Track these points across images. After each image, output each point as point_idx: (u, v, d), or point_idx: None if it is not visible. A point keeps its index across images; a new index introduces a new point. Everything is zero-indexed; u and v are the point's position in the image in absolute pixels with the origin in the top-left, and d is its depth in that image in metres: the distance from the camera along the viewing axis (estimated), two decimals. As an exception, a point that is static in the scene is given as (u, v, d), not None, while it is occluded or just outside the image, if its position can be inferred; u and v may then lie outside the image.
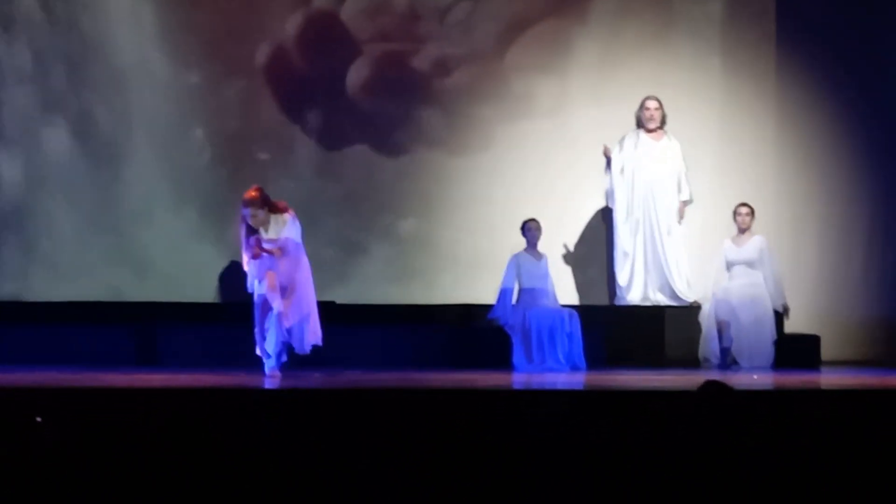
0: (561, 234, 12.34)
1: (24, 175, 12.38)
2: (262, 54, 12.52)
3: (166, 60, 12.45)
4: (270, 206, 10.18)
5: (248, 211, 10.09)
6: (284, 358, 10.21)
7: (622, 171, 12.12)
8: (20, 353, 11.29)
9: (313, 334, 10.21)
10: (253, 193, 10.14)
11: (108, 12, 12.46)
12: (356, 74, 12.53)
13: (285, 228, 10.13)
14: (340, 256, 12.45)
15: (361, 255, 12.50)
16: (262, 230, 10.16)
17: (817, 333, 11.99)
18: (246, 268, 10.21)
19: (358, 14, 12.60)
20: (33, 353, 11.31)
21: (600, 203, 12.49)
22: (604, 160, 12.26)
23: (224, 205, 12.13)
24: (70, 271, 12.27)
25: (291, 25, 12.53)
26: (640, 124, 12.21)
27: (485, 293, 11.87)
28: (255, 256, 10.10)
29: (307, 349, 10.23)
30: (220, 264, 12.35)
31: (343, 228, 12.50)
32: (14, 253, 12.35)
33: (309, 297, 10.24)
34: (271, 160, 12.53)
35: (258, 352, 10.19)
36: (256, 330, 10.15)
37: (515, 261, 11.67)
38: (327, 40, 12.54)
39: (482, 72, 12.60)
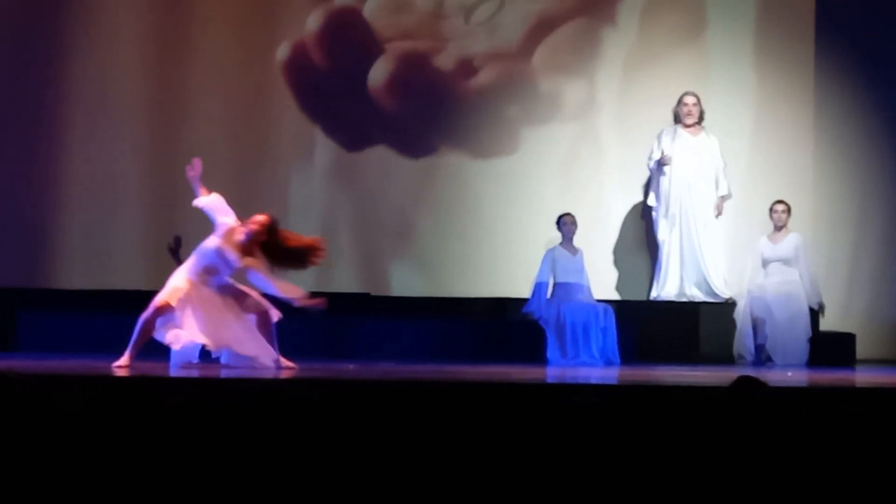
0: (593, 232, 12.28)
1: None
2: (281, 51, 12.32)
3: (180, 55, 12.35)
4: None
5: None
6: None
7: (660, 167, 12.11)
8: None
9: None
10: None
11: (118, 10, 12.35)
12: (378, 73, 12.28)
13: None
14: (371, 251, 12.40)
15: (392, 250, 12.43)
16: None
17: (853, 331, 11.96)
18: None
19: (381, 11, 12.41)
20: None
21: (630, 202, 12.45)
22: (631, 160, 12.26)
23: (241, 205, 12.17)
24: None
25: (312, 22, 12.30)
26: (677, 120, 12.19)
27: (519, 287, 11.87)
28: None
29: None
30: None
31: (368, 225, 12.40)
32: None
33: None
34: (290, 160, 12.44)
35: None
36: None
37: (551, 255, 11.67)
38: (349, 38, 12.33)
39: (508, 72, 12.42)
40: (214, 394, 7.46)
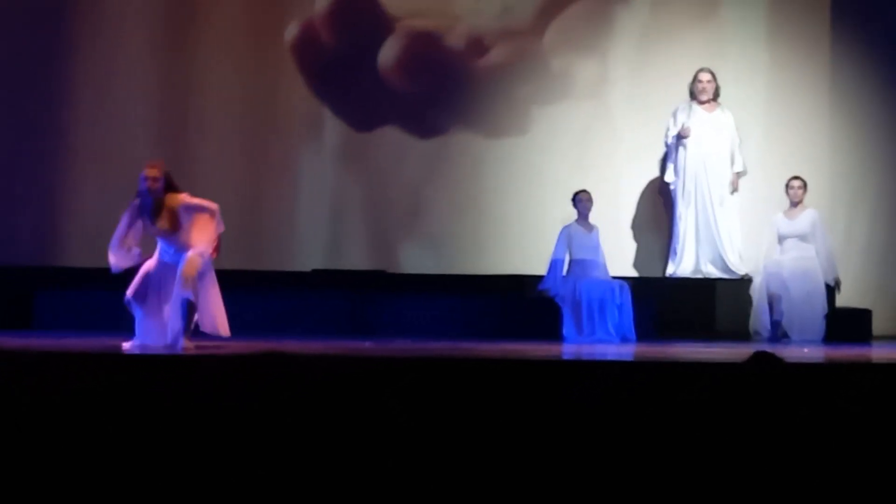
0: (608, 209, 12.24)
1: None
2: (290, 31, 12.27)
3: (188, 35, 12.32)
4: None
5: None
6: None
7: (679, 140, 12.10)
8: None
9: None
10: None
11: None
12: (388, 52, 12.21)
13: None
14: (381, 230, 12.38)
15: (403, 229, 12.41)
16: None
17: (869, 307, 11.94)
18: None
19: (391, -11, 12.31)
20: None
21: (645, 178, 12.43)
22: (646, 137, 12.26)
23: (250, 185, 12.13)
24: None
25: (321, 1, 12.25)
26: (692, 96, 12.18)
27: (534, 264, 11.87)
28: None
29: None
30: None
31: (378, 204, 12.38)
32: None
33: None
34: (299, 140, 12.40)
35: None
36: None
37: (566, 232, 11.66)
38: (358, 17, 12.25)
39: (520, 50, 12.36)
40: (236, 370, 7.47)
